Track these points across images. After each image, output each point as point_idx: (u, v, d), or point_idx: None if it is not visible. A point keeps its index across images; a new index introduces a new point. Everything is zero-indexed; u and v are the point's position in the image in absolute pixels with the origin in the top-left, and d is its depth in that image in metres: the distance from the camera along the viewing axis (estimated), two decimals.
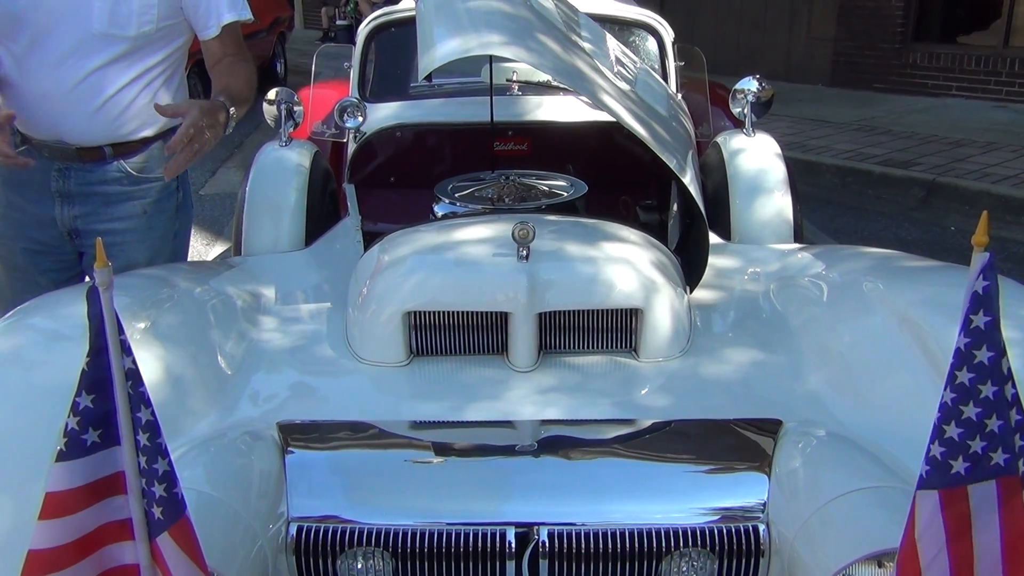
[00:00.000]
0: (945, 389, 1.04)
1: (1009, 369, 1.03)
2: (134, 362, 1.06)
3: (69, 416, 1.06)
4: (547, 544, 1.52)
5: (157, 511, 1.08)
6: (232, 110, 2.16)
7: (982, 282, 1.00)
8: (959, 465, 1.04)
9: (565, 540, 1.52)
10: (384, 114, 2.92)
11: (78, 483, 1.07)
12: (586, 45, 2.35)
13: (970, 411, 1.03)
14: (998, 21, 8.37)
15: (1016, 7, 8.24)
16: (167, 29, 2.23)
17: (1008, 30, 8.27)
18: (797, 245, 2.60)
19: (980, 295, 1.00)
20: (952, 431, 1.04)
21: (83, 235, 2.33)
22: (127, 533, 1.11)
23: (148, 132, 2.30)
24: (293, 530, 1.53)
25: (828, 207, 5.76)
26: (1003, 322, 1.10)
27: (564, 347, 1.97)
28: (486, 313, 1.92)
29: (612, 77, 2.28)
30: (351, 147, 2.91)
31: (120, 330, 1.04)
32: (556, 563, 1.52)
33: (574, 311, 1.94)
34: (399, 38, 3.13)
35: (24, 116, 2.24)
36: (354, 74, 3.13)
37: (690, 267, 2.22)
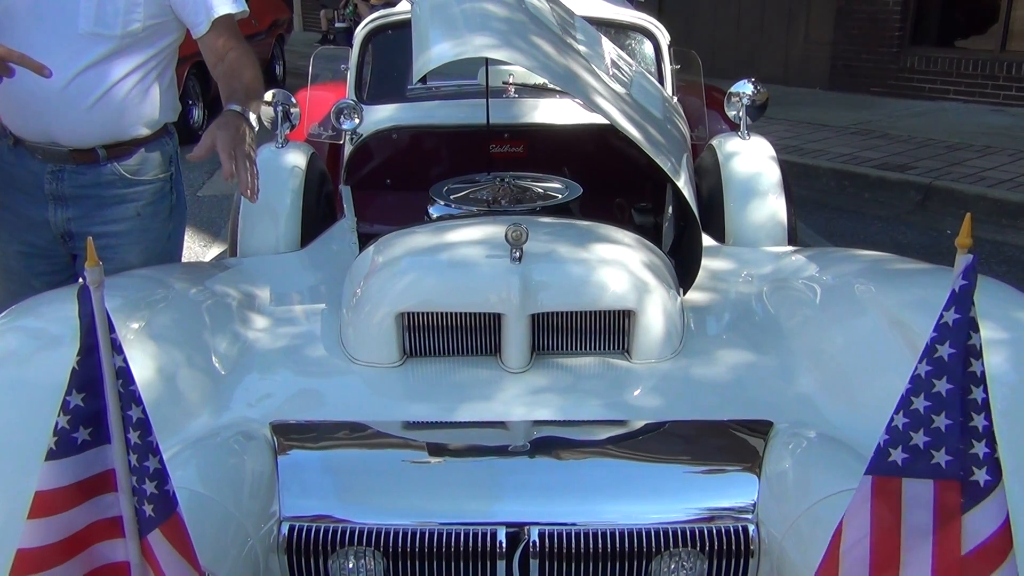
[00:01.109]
0: (908, 381, 1.03)
1: (983, 373, 1.01)
2: (125, 360, 1.06)
3: (60, 415, 1.06)
4: (538, 544, 1.53)
5: (148, 508, 1.08)
6: (250, 115, 2.15)
7: (960, 281, 1.00)
8: (897, 454, 1.02)
9: (556, 540, 1.53)
10: (381, 116, 2.93)
11: (68, 481, 1.08)
12: (581, 48, 2.36)
13: (919, 403, 1.01)
14: (995, 25, 8.39)
15: (1013, 12, 8.25)
16: (155, 27, 2.22)
17: (1005, 34, 8.29)
18: (790, 248, 2.61)
19: (956, 293, 1.00)
20: (899, 420, 1.02)
21: (76, 238, 2.32)
22: (117, 531, 1.12)
23: (141, 131, 2.30)
24: (285, 529, 1.54)
25: (825, 210, 5.77)
26: (989, 323, 1.10)
27: (557, 348, 1.97)
28: (479, 314, 1.93)
29: (607, 80, 2.29)
30: (347, 149, 2.92)
31: (111, 329, 1.05)
32: (547, 563, 1.53)
33: (567, 312, 1.94)
34: (396, 40, 3.14)
35: (16, 118, 2.24)
36: (351, 76, 3.14)
37: (683, 269, 2.23)
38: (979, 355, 1.01)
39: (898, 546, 1.06)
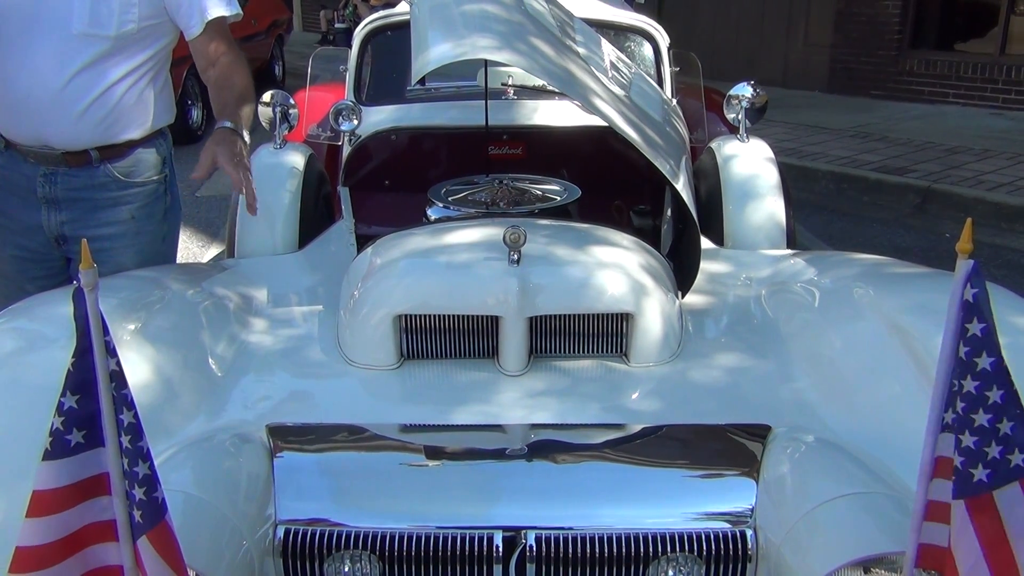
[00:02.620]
0: (941, 398, 1.05)
1: (1007, 369, 1.04)
2: (118, 364, 1.06)
3: (54, 416, 1.06)
4: (534, 548, 1.52)
5: (137, 514, 1.08)
6: (244, 133, 2.18)
7: (971, 290, 1.01)
8: (980, 473, 1.05)
9: (552, 544, 1.52)
10: (379, 117, 2.92)
11: (64, 483, 1.08)
12: (580, 50, 2.36)
13: (982, 418, 1.04)
14: (995, 29, 8.39)
15: (1012, 15, 8.26)
16: (150, 29, 2.21)
17: (1004, 38, 8.29)
18: (789, 251, 2.61)
19: (971, 303, 1.01)
20: (968, 440, 1.05)
21: (70, 241, 2.31)
22: (111, 534, 1.11)
23: (134, 134, 2.28)
24: (281, 533, 1.53)
25: (824, 213, 5.77)
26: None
27: (554, 351, 1.97)
28: (477, 317, 1.92)
29: (606, 82, 2.28)
30: (346, 150, 2.91)
31: (105, 331, 1.04)
32: (543, 567, 1.52)
33: (565, 315, 1.94)
34: (395, 42, 3.13)
35: (8, 122, 2.22)
36: (350, 77, 3.13)
37: (682, 272, 2.23)
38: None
39: (1011, 552, 1.09)
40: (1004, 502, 1.07)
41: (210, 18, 2.22)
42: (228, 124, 2.16)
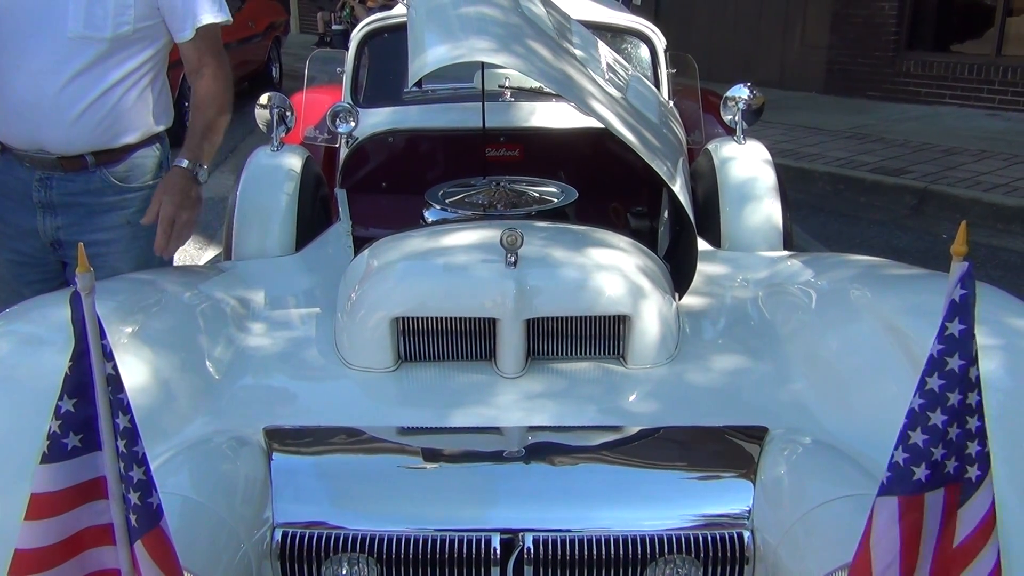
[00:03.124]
0: (915, 395, 1.04)
1: (977, 377, 1.03)
2: (115, 368, 1.06)
3: (52, 419, 1.06)
4: (532, 551, 1.52)
5: (132, 518, 1.07)
6: (201, 174, 2.23)
7: (959, 290, 1.00)
8: (920, 472, 1.03)
9: (550, 547, 1.52)
10: (376, 119, 2.92)
11: (61, 486, 1.08)
12: (577, 52, 2.36)
13: (937, 418, 1.02)
14: (991, 30, 8.41)
15: (1009, 16, 8.28)
16: (145, 31, 2.21)
17: (1001, 39, 8.31)
18: (786, 252, 2.61)
19: (957, 303, 1.01)
20: (917, 437, 1.03)
21: (66, 246, 2.31)
22: (108, 538, 1.11)
23: (130, 139, 2.28)
24: (278, 536, 1.53)
25: (820, 214, 5.78)
26: (984, 328, 1.11)
27: (552, 353, 1.97)
28: (474, 319, 1.92)
29: (603, 84, 2.28)
30: (343, 152, 2.91)
31: (102, 335, 1.04)
32: (541, 570, 1.52)
33: (562, 317, 1.94)
34: (392, 44, 3.13)
35: (3, 126, 2.22)
36: (347, 79, 3.13)
37: (679, 274, 2.23)
38: (976, 360, 1.02)
39: (917, 555, 1.07)
40: (930, 506, 1.05)
41: (200, 24, 2.23)
42: (184, 163, 2.20)
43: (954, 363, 1.01)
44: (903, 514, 1.05)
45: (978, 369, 1.03)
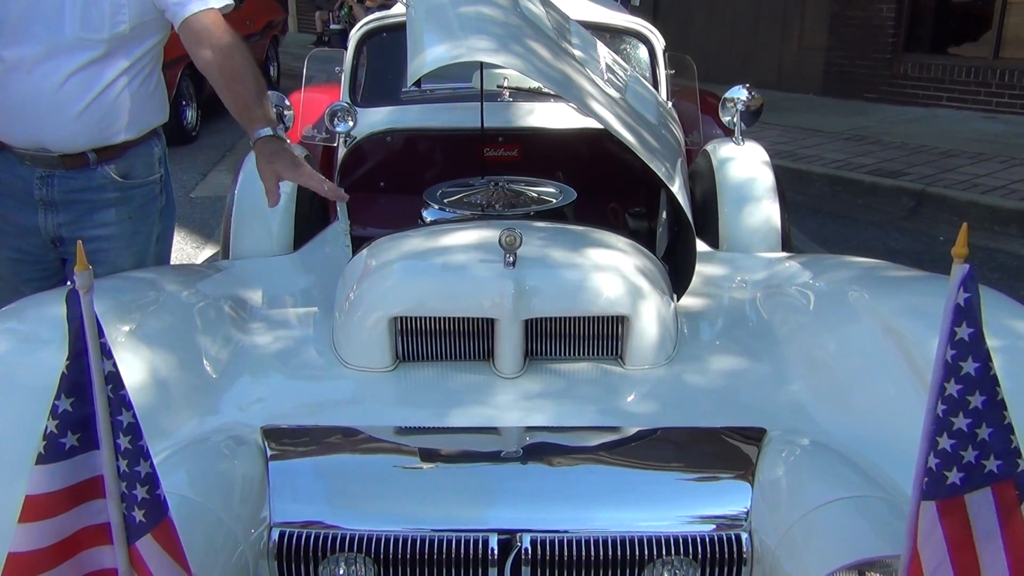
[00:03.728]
0: (936, 401, 1.05)
1: (995, 375, 1.05)
2: (115, 365, 1.05)
3: (48, 419, 1.05)
4: (529, 551, 1.52)
5: (139, 514, 1.07)
6: (280, 132, 2.16)
7: (963, 294, 1.01)
8: (954, 476, 1.06)
9: (548, 547, 1.52)
10: (375, 119, 2.92)
11: (57, 487, 1.07)
12: (576, 52, 2.36)
13: (960, 422, 1.04)
14: (989, 32, 8.43)
15: (1006, 19, 8.29)
16: (141, 27, 2.19)
17: (998, 41, 8.32)
18: (784, 254, 2.61)
19: (962, 307, 1.02)
20: (945, 442, 1.05)
21: (67, 243, 2.30)
22: (106, 538, 1.11)
23: (130, 134, 2.27)
24: (275, 535, 1.52)
25: (818, 216, 5.78)
26: (984, 331, 1.11)
27: (550, 354, 1.97)
28: (472, 319, 1.92)
29: (602, 84, 2.28)
30: (341, 152, 2.91)
31: (100, 333, 1.04)
32: (538, 570, 1.52)
33: (560, 318, 1.94)
34: (391, 43, 3.13)
35: (3, 125, 2.21)
36: (345, 78, 3.12)
37: (677, 275, 2.23)
38: (990, 359, 1.05)
39: (975, 555, 1.10)
40: (974, 506, 1.08)
41: (191, 13, 2.13)
42: (268, 131, 2.08)
43: (969, 367, 1.03)
44: (943, 516, 1.08)
45: (994, 367, 1.05)
